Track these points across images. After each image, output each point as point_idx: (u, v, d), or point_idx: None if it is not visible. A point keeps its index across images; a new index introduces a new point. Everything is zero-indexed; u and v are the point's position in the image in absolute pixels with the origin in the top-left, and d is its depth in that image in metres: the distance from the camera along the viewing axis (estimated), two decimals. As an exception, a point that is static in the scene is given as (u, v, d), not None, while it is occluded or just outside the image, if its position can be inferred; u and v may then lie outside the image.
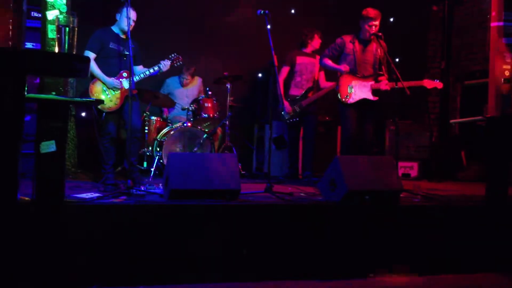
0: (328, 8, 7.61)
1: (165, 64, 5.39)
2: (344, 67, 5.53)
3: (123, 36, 5.20)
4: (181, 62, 5.61)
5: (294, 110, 6.28)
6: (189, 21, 7.11)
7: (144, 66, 5.44)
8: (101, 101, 4.83)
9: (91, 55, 5.11)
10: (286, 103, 6.29)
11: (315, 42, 6.45)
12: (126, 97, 5.10)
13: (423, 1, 8.22)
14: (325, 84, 6.47)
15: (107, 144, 5.17)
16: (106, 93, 5.11)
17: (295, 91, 6.40)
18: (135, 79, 5.20)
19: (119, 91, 5.10)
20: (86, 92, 5.17)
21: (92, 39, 5.15)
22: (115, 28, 5.23)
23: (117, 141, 5.42)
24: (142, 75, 5.28)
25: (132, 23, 5.15)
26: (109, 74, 5.11)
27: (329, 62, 5.70)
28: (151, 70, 5.31)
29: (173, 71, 6.05)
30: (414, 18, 8.17)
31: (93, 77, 5.12)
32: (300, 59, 6.42)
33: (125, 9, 5.09)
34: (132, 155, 5.19)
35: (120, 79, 5.12)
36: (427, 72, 8.29)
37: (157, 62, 5.41)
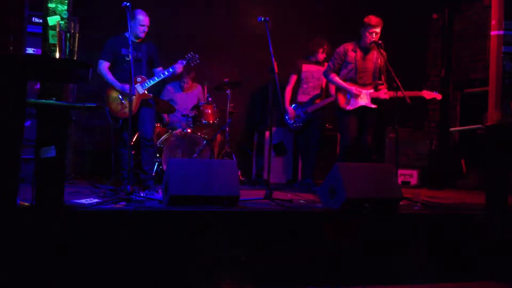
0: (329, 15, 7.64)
1: (178, 66, 5.31)
2: (356, 90, 5.47)
3: (136, 41, 5.19)
4: (198, 61, 5.49)
5: (298, 116, 6.33)
6: (189, 28, 7.13)
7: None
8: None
9: (104, 64, 5.15)
10: (289, 109, 6.35)
11: (319, 56, 6.44)
12: (142, 102, 5.13)
13: (423, 9, 8.24)
14: (332, 92, 6.48)
15: (121, 150, 5.14)
16: (121, 99, 5.11)
17: (302, 98, 6.47)
18: (152, 82, 5.19)
19: (134, 96, 5.04)
20: (103, 99, 5.15)
21: (104, 48, 5.18)
22: (128, 34, 5.13)
23: (134, 148, 5.36)
24: (161, 76, 5.24)
25: (146, 29, 5.17)
26: (125, 81, 5.04)
27: (337, 79, 5.59)
28: (166, 72, 5.27)
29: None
30: (414, 26, 8.19)
31: (109, 84, 5.13)
32: (306, 67, 6.46)
33: (136, 15, 5.11)
34: (145, 164, 5.19)
35: (134, 85, 5.07)
36: (427, 80, 8.30)
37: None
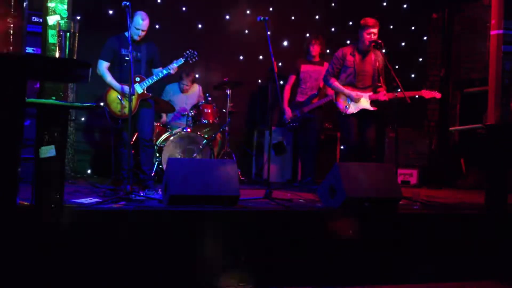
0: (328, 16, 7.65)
1: (174, 66, 5.28)
2: (356, 95, 5.47)
3: (136, 41, 5.17)
4: (197, 58, 5.47)
5: (295, 115, 6.35)
6: (189, 27, 7.13)
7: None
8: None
9: (104, 64, 5.16)
10: (287, 109, 6.36)
11: (313, 52, 6.43)
12: (142, 102, 5.13)
13: (422, 9, 8.25)
14: (330, 91, 6.48)
15: (121, 150, 5.19)
16: (120, 99, 5.11)
17: (300, 98, 6.49)
18: (151, 81, 5.18)
19: (133, 96, 5.03)
20: (102, 99, 5.19)
21: (104, 48, 5.19)
22: (128, 34, 5.10)
23: (134, 147, 5.40)
24: (159, 75, 5.22)
25: (142, 33, 5.14)
26: (123, 81, 5.08)
27: (336, 84, 5.59)
28: (164, 71, 5.26)
29: (173, 78, 6.03)
30: (413, 25, 8.20)
31: (108, 85, 5.15)
32: (304, 67, 6.47)
33: (134, 17, 5.09)
34: (144, 164, 5.21)
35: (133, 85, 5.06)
36: (426, 80, 8.30)
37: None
